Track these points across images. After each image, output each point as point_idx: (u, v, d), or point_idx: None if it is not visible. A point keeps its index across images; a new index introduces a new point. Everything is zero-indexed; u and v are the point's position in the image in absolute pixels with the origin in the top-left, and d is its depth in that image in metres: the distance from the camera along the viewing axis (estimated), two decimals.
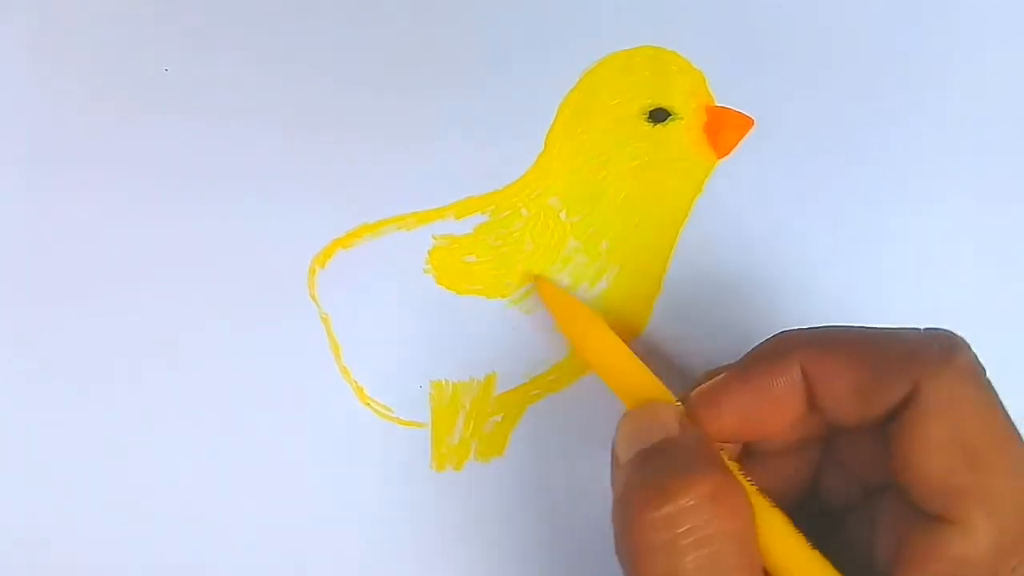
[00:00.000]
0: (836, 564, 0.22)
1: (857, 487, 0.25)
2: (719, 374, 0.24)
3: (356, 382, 0.29)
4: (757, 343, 0.24)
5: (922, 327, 0.23)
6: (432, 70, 0.29)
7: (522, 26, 0.29)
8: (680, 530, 0.20)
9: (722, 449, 0.24)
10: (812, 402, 0.23)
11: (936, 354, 0.22)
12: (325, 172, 0.29)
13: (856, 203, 0.30)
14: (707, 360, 0.29)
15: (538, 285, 0.28)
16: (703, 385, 0.24)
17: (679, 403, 0.25)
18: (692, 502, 0.20)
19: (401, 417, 0.29)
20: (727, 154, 0.29)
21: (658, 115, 0.29)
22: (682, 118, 0.29)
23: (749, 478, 0.23)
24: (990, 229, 0.30)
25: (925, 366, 0.21)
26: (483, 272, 0.29)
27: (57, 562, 0.28)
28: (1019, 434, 0.22)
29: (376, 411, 0.29)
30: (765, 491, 0.23)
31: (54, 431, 0.28)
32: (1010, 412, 0.22)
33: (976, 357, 0.22)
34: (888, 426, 0.22)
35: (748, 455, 0.25)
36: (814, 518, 0.24)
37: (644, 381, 0.26)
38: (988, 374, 0.22)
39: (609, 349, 0.26)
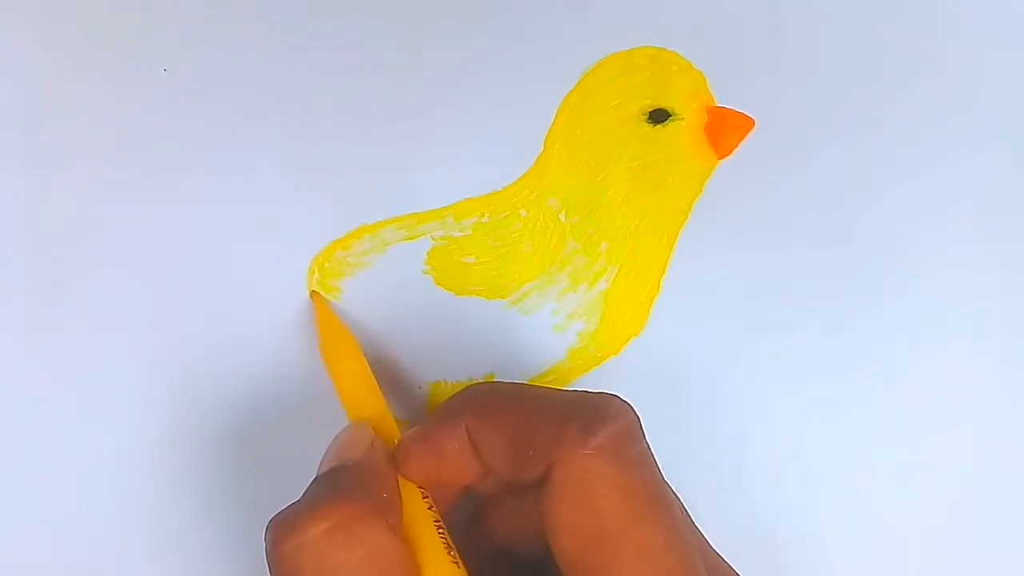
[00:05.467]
0: None
1: None
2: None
3: None
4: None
5: (593, 390, 0.23)
6: (431, 71, 0.29)
7: (522, 26, 0.29)
8: (301, 563, 0.21)
9: (425, 494, 0.24)
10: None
11: (575, 431, 0.21)
12: (325, 173, 0.29)
13: (858, 204, 0.29)
14: (706, 362, 0.29)
15: (313, 298, 0.28)
16: (407, 433, 0.25)
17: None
18: (311, 536, 0.21)
19: (400, 417, 0.29)
20: (728, 155, 0.29)
21: (658, 116, 0.29)
22: (683, 119, 0.29)
23: (439, 523, 0.23)
24: (992, 228, 0.30)
25: (561, 445, 0.21)
26: (482, 273, 0.29)
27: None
28: (664, 511, 0.21)
29: None
30: (503, 540, 0.24)
31: (50, 431, 0.29)
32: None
33: (628, 430, 0.22)
34: (535, 501, 0.22)
35: (486, 502, 0.26)
36: None
37: (368, 403, 0.26)
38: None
39: (354, 370, 0.27)
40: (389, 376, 0.29)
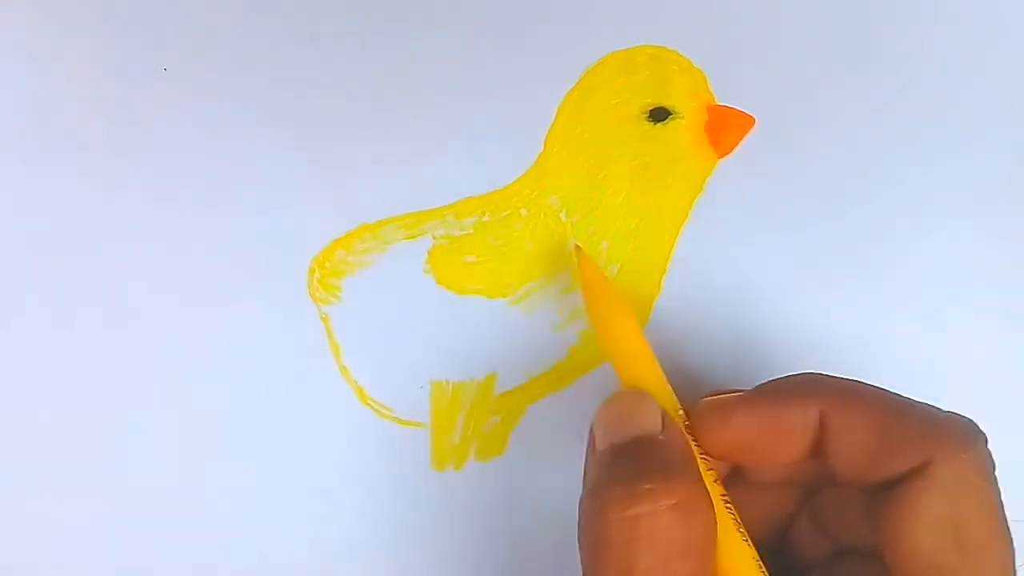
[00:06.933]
0: None
1: (829, 545, 0.25)
2: (723, 394, 0.24)
3: (356, 382, 0.29)
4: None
5: (944, 408, 0.23)
6: (432, 70, 0.29)
7: (522, 26, 0.29)
8: (640, 533, 0.21)
9: (710, 466, 0.24)
10: (818, 448, 0.23)
11: (956, 437, 0.22)
12: (325, 172, 0.29)
13: (858, 203, 0.29)
14: (707, 361, 0.29)
15: (577, 255, 0.28)
16: (715, 396, 0.24)
17: (680, 409, 0.24)
18: (657, 508, 0.21)
19: (401, 417, 0.29)
20: (728, 153, 0.29)
21: (658, 114, 0.29)
22: (683, 117, 0.29)
23: (727, 498, 0.23)
24: (992, 228, 0.30)
25: (942, 445, 0.22)
26: (483, 272, 0.29)
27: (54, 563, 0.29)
28: (1009, 536, 0.22)
29: (376, 411, 0.29)
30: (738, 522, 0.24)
31: (53, 432, 0.29)
32: None
33: (989, 453, 0.22)
34: (885, 494, 0.22)
35: (732, 481, 0.25)
36: (777, 567, 0.24)
37: (647, 372, 0.25)
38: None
39: (629, 337, 0.26)
40: (389, 376, 0.29)
